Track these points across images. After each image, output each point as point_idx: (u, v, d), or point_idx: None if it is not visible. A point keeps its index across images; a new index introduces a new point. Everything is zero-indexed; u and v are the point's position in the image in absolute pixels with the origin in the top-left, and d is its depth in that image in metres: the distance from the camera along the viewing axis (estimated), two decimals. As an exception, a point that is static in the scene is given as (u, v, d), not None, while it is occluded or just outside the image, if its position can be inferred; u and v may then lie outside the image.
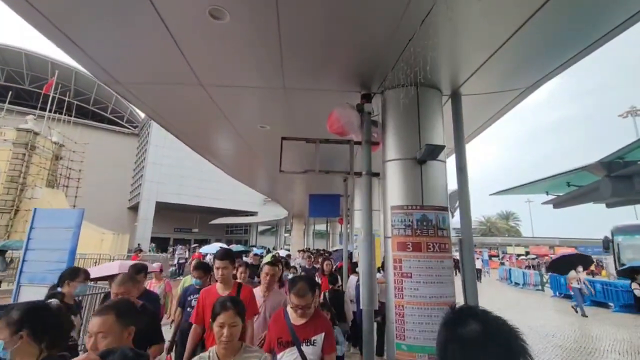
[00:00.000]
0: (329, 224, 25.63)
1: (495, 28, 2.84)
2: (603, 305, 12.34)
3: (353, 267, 5.39)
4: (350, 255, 8.47)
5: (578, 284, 11.00)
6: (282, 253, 15.02)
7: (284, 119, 4.69)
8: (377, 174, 3.66)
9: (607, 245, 14.27)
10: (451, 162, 3.74)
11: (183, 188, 42.50)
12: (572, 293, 11.77)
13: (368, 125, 3.66)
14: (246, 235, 53.73)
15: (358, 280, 5.04)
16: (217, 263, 2.95)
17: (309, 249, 22.52)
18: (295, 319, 2.40)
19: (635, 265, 9.58)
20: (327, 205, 9.37)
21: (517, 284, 19.62)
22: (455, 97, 3.86)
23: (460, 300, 3.56)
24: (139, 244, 31.54)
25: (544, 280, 18.56)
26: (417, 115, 3.53)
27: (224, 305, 1.93)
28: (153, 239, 39.35)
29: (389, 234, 3.40)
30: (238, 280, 3.45)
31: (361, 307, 3.42)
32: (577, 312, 10.49)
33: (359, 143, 3.78)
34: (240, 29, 2.85)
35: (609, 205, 4.70)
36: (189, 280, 4.61)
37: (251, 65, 3.51)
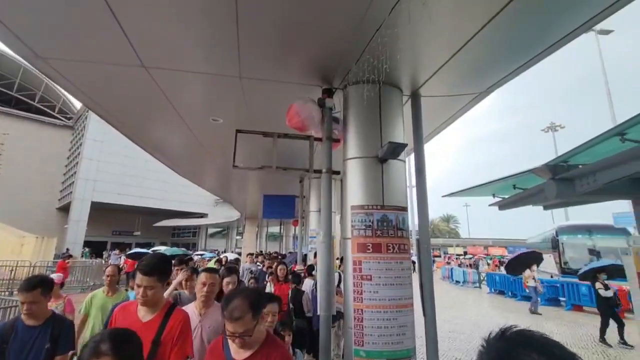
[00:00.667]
0: (282, 226, 25.22)
1: (457, 29, 2.87)
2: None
3: (309, 270, 5.19)
4: (304, 257, 8.29)
5: (534, 282, 11.08)
6: (232, 256, 13.96)
7: (239, 112, 4.37)
8: (337, 172, 3.51)
9: (555, 244, 14.96)
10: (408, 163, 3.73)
11: (124, 187, 39.02)
12: (527, 292, 11.60)
13: (329, 121, 3.51)
14: (195, 238, 50.99)
15: (314, 285, 4.86)
16: (139, 279, 1.90)
17: (262, 252, 21.95)
18: (235, 351, 1.69)
19: (597, 266, 10.30)
20: (282, 207, 9.10)
21: (457, 282, 20.93)
22: (415, 98, 3.87)
23: (416, 302, 3.54)
24: (67, 249, 28.25)
25: (481, 278, 20.09)
26: (379, 113, 3.45)
27: (95, 351, 1.23)
28: (87, 243, 35.55)
29: (349, 235, 3.27)
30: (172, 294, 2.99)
31: (318, 313, 3.23)
32: (532, 312, 10.49)
33: (319, 139, 3.61)
34: (191, 3, 2.52)
35: (546, 207, 5.08)
36: (100, 295, 3.50)
37: (204, 48, 3.17)
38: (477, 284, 19.52)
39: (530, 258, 11.82)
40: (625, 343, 6.90)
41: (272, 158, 3.45)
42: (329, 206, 3.34)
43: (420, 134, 3.72)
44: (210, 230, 51.77)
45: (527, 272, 11.42)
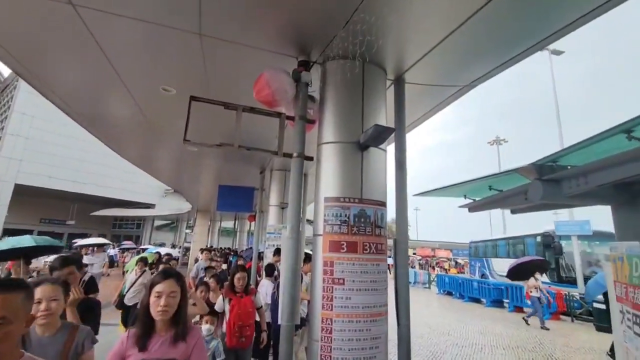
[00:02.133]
0: (237, 221, 24.13)
1: (448, 12, 2.60)
2: (477, 300, 14.24)
3: (267, 270, 4.63)
4: (260, 255, 7.69)
5: (537, 292, 9.79)
6: (162, 251, 12.22)
7: (197, 80, 3.69)
8: (310, 158, 3.02)
9: (553, 250, 13.61)
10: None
11: (56, 170, 34.72)
12: (529, 303, 10.40)
13: (304, 98, 3.01)
14: (139, 230, 47.26)
15: (275, 288, 4.33)
16: None
17: (211, 246, 20.72)
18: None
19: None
20: (239, 199, 8.37)
21: (409, 282, 21.54)
22: (399, 83, 3.51)
23: (391, 309, 3.18)
24: (-20, 237, 24.50)
25: (431, 279, 20.86)
26: (362, 94, 3.03)
27: None
28: (8, 232, 31.17)
29: (320, 231, 2.80)
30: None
31: (279, 323, 2.72)
32: (528, 323, 9.44)
33: (291, 118, 3.09)
34: None
35: (514, 212, 5.04)
36: None
37: (153, -13, 2.50)
38: (427, 285, 20.20)
39: (536, 266, 10.55)
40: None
41: (235, 135, 2.86)
42: (299, 196, 2.84)
43: (402, 123, 3.37)
44: (157, 223, 48.37)
45: (532, 281, 10.03)
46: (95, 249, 9.14)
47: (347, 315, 2.58)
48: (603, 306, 9.36)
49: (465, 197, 4.78)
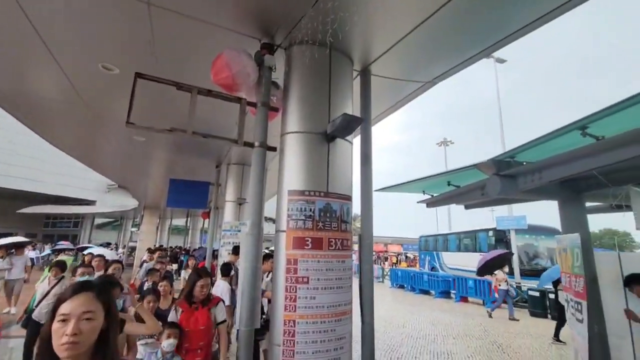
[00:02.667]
0: (189, 219, 22.91)
1: (413, 7, 2.58)
2: (427, 292, 14.98)
3: (223, 270, 4.32)
4: (214, 254, 7.28)
5: (505, 284, 9.87)
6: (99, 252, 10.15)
7: (144, 59, 3.28)
8: (273, 148, 2.81)
9: (503, 244, 14.35)
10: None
11: (-27, 161, 30.34)
12: (496, 296, 10.33)
13: (267, 84, 2.79)
14: (77, 229, 42.89)
15: (232, 289, 4.05)
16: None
17: (161, 246, 19.41)
18: None
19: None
20: (192, 194, 7.83)
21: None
22: (365, 75, 3.43)
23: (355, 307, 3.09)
24: None
25: (385, 273, 21.58)
26: (329, 83, 2.88)
27: None
28: None
29: (283, 226, 2.62)
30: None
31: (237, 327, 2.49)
32: (491, 316, 9.56)
33: (253, 105, 2.85)
34: None
35: (467, 207, 5.25)
36: None
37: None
38: (380, 279, 20.85)
39: (503, 259, 10.62)
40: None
41: (188, 120, 2.55)
42: (261, 189, 2.63)
43: (368, 115, 3.29)
44: (99, 221, 44.30)
45: (500, 274, 10.08)
46: (15, 250, 7.91)
47: (311, 316, 2.43)
48: (537, 294, 10.32)
49: (424, 192, 4.87)
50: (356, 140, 3.40)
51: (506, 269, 10.49)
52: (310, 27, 2.67)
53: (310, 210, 2.61)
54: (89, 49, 3.39)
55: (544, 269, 13.99)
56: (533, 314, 10.02)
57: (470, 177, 3.89)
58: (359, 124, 2.54)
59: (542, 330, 7.82)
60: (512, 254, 12.23)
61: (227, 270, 4.30)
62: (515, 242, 13.27)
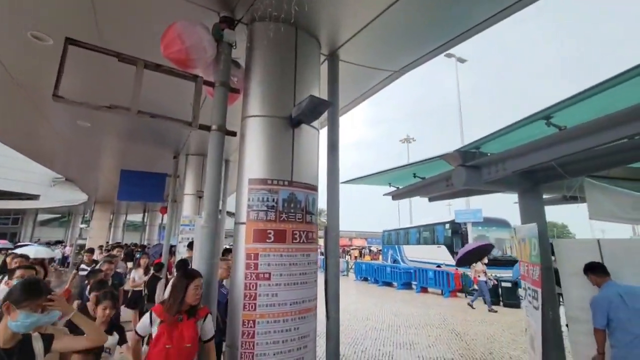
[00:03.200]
0: (147, 214, 21.62)
1: None
2: (390, 284, 15.36)
3: (178, 268, 3.98)
4: (171, 249, 6.83)
5: (484, 276, 9.95)
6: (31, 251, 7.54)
7: (84, 28, 2.86)
8: (232, 133, 2.57)
9: (459, 235, 15.17)
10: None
11: None
12: (476, 287, 10.19)
13: (227, 61, 2.53)
14: (17, 226, 38.88)
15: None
16: None
17: (118, 243, 18.10)
18: None
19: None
20: (147, 187, 7.26)
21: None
22: (333, 60, 3.27)
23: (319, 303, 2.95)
24: None
25: (349, 266, 21.88)
26: (294, 65, 2.69)
27: None
28: None
29: (243, 218, 2.40)
30: None
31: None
32: (473, 307, 9.56)
33: (210, 84, 2.58)
34: None
35: (431, 199, 5.32)
36: None
37: None
38: (345, 272, 21.10)
39: (482, 251, 10.48)
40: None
41: (133, 97, 2.23)
42: (218, 176, 2.39)
43: (336, 101, 3.14)
44: (44, 217, 40.53)
45: (480, 265, 10.10)
46: None
47: (272, 315, 2.25)
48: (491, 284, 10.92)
49: (390, 185, 4.84)
50: (322, 132, 3.25)
51: (485, 261, 10.50)
52: (275, 2, 2.45)
53: (273, 200, 2.41)
54: (14, 15, 2.90)
55: (495, 259, 14.95)
56: (485, 301, 10.60)
57: (435, 169, 3.90)
58: (326, 107, 2.37)
59: (495, 318, 8.27)
60: (493, 246, 12.25)
61: (184, 267, 3.98)
62: (472, 234, 13.97)
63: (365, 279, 17.51)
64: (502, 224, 15.49)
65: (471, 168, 3.05)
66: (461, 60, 16.42)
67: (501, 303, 10.26)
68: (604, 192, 2.89)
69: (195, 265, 2.33)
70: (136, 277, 5.85)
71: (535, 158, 2.52)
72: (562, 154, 2.22)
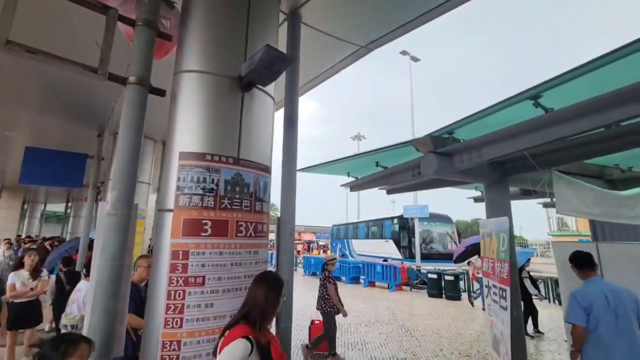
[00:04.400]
0: (72, 203, 18.97)
1: None
2: (338, 279, 15.31)
3: (87, 268, 3.17)
4: (91, 244, 5.76)
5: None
6: None
7: None
8: (160, 92, 1.94)
9: (407, 230, 15.55)
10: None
11: None
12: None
13: (153, -6, 1.88)
14: None
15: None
16: None
17: (29, 237, 15.53)
18: None
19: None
20: (60, 169, 6.01)
21: (275, 265, 21.53)
22: (294, 20, 2.76)
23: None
24: None
25: (298, 261, 21.52)
26: (247, 14, 2.13)
27: None
28: None
29: (169, 204, 1.81)
30: None
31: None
32: (473, 305, 9.01)
33: (129, 22, 1.90)
34: None
35: (389, 192, 5.08)
36: None
37: None
38: (294, 267, 20.71)
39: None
40: None
41: (0, 21, 1.49)
42: (133, 147, 1.75)
43: (296, 69, 2.64)
44: None
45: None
46: None
47: (205, 332, 1.70)
48: (435, 276, 11.29)
49: (348, 174, 4.47)
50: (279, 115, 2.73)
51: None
52: None
53: (213, 181, 1.85)
54: None
55: (438, 253, 15.70)
56: (430, 295, 10.94)
57: (400, 157, 3.59)
58: (286, 64, 1.86)
59: (440, 311, 8.47)
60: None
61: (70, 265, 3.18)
62: (418, 228, 14.43)
63: (314, 274, 17.28)
64: (445, 219, 16.28)
65: (442, 155, 2.77)
66: (415, 59, 16.82)
67: (443, 295, 10.64)
68: (569, 186, 2.80)
69: (95, 266, 1.68)
70: (18, 284, 3.80)
71: (520, 144, 2.27)
72: (554, 137, 1.99)
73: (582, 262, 2.46)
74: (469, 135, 2.70)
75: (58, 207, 23.73)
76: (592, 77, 1.89)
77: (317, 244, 43.78)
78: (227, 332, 1.42)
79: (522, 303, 5.81)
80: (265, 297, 1.47)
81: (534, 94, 2.01)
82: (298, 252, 34.59)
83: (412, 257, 14.94)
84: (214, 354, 1.42)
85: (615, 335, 2.14)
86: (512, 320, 2.61)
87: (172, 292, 1.68)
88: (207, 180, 1.84)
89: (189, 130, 1.90)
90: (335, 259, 5.31)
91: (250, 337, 1.37)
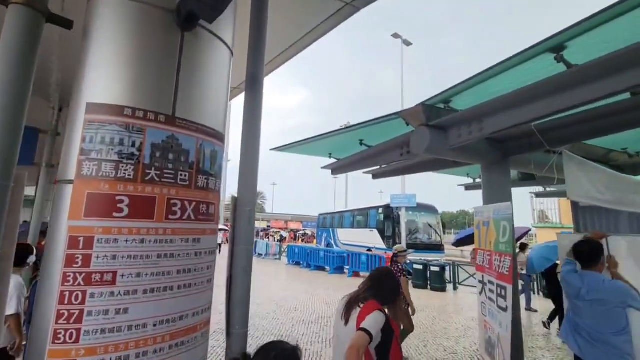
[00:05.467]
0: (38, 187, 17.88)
1: None
2: (322, 268, 15.04)
3: (17, 258, 2.64)
4: (43, 231, 5.22)
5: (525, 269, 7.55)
6: None
7: None
8: (65, 22, 1.43)
9: (392, 220, 15.38)
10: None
11: None
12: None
13: None
14: None
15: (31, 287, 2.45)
16: None
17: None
18: None
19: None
20: None
21: (260, 254, 21.17)
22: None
23: (218, 309, 2.01)
24: None
25: (282, 250, 21.18)
26: None
27: None
28: None
29: (69, 174, 1.33)
30: None
31: None
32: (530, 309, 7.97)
33: None
34: None
35: (375, 177, 4.67)
36: None
37: None
38: (278, 256, 20.37)
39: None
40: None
41: None
42: (16, 88, 1.25)
43: (262, 14, 2.14)
44: None
45: (522, 256, 7.89)
46: None
47: (115, 348, 1.24)
48: (420, 267, 11.10)
49: (330, 156, 4.02)
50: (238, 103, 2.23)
51: (527, 252, 8.05)
52: None
53: (134, 145, 1.37)
54: None
55: (423, 243, 15.56)
56: (416, 286, 10.77)
57: (387, 135, 3.15)
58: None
59: (425, 303, 8.25)
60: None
61: (22, 256, 2.67)
62: (405, 217, 14.21)
63: (298, 263, 16.97)
64: (431, 209, 16.12)
65: (436, 129, 2.34)
66: (407, 43, 16.30)
67: (429, 286, 10.48)
68: (580, 168, 2.42)
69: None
70: None
71: (534, 111, 1.82)
72: (578, 101, 1.57)
73: (581, 259, 2.36)
74: (470, 104, 2.26)
75: (30, 191, 22.54)
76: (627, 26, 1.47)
77: (304, 232, 43.55)
78: (362, 304, 1.89)
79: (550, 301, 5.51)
80: (390, 283, 2.05)
81: (556, 44, 1.58)
82: (284, 239, 34.27)
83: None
84: (344, 317, 1.91)
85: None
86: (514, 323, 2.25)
87: (67, 293, 1.21)
88: (126, 143, 1.36)
89: (103, 76, 1.40)
90: (405, 250, 4.81)
91: (383, 311, 1.88)
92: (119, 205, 1.31)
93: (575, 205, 9.67)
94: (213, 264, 1.66)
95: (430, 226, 15.79)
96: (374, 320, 1.76)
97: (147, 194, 1.37)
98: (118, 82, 1.40)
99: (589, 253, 2.29)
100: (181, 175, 1.48)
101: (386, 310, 1.93)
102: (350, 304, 1.94)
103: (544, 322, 6.24)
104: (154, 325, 1.34)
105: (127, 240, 1.30)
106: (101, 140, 1.34)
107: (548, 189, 5.48)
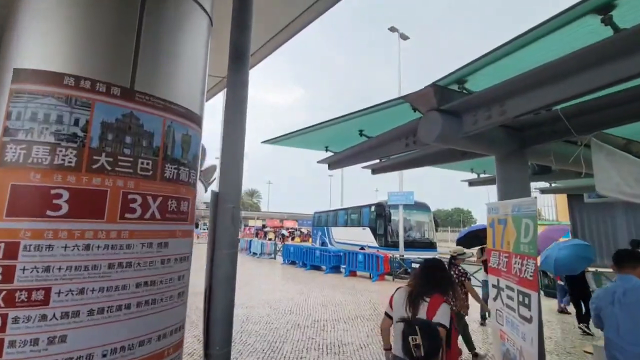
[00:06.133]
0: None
1: None
2: (318, 268, 14.75)
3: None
4: None
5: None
6: None
7: None
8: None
9: (384, 219, 15.14)
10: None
11: None
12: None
13: None
14: None
15: None
16: None
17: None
18: None
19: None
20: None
21: (255, 253, 20.79)
22: None
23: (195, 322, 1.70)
24: None
25: (277, 249, 20.84)
26: None
27: None
28: None
29: (-6, 159, 1.00)
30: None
31: None
32: (562, 311, 7.02)
33: None
34: None
35: (375, 172, 4.39)
36: None
37: None
38: (273, 255, 20.02)
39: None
40: None
41: None
42: None
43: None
44: None
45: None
46: None
47: (45, 390, 0.93)
48: (417, 266, 10.88)
49: (326, 149, 3.72)
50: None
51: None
52: None
53: (76, 123, 1.06)
54: None
55: (416, 241, 15.34)
56: (412, 285, 10.53)
57: (390, 124, 2.87)
58: None
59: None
60: None
61: None
62: (402, 215, 13.97)
63: (293, 263, 16.64)
64: (423, 207, 15.90)
65: (449, 114, 2.06)
66: (404, 37, 16.02)
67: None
68: (609, 158, 2.16)
69: None
70: None
71: (573, 87, 1.50)
72: (625, 75, 1.30)
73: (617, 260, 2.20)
74: (490, 84, 1.97)
75: None
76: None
77: (300, 231, 43.24)
78: (427, 298, 2.05)
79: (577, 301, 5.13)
80: (443, 273, 2.25)
81: (604, 2, 1.30)
82: (283, 237, 33.82)
83: (387, 245, 14.56)
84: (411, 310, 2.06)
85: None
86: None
87: (-23, 318, 0.90)
88: (66, 121, 1.05)
89: (39, 33, 1.09)
90: (464, 253, 4.52)
91: (448, 302, 2.10)
92: (55, 201, 1.01)
93: (571, 202, 9.48)
94: (186, 273, 1.36)
95: (423, 224, 15.59)
96: (445, 313, 1.97)
97: (95, 187, 1.06)
98: (58, 43, 1.10)
99: (628, 256, 2.08)
100: (142, 163, 1.18)
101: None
102: (415, 298, 2.08)
103: (581, 329, 5.45)
104: (104, 356, 1.03)
105: (65, 247, 1.00)
106: (32, 116, 1.03)
107: (553, 185, 5.24)
